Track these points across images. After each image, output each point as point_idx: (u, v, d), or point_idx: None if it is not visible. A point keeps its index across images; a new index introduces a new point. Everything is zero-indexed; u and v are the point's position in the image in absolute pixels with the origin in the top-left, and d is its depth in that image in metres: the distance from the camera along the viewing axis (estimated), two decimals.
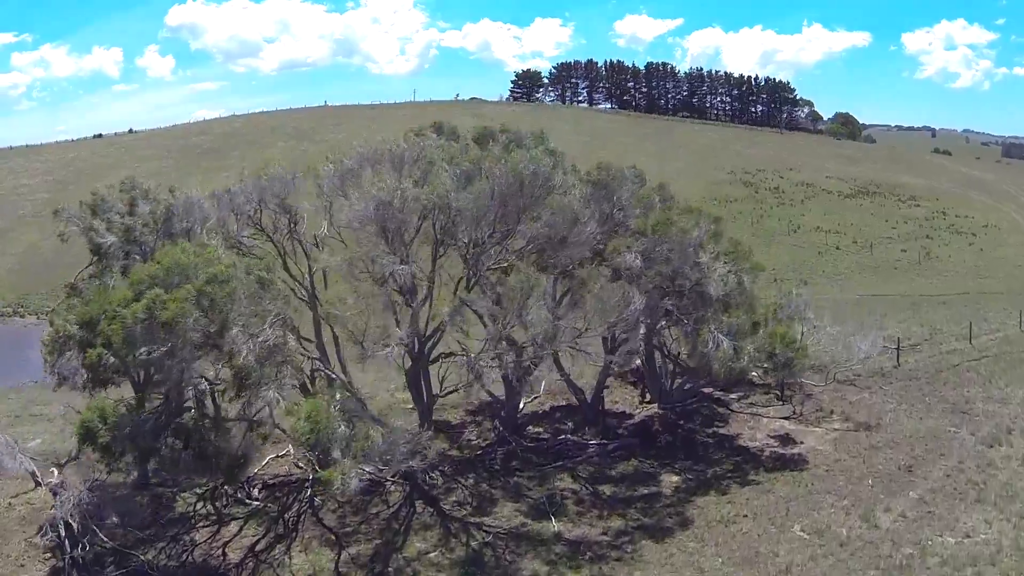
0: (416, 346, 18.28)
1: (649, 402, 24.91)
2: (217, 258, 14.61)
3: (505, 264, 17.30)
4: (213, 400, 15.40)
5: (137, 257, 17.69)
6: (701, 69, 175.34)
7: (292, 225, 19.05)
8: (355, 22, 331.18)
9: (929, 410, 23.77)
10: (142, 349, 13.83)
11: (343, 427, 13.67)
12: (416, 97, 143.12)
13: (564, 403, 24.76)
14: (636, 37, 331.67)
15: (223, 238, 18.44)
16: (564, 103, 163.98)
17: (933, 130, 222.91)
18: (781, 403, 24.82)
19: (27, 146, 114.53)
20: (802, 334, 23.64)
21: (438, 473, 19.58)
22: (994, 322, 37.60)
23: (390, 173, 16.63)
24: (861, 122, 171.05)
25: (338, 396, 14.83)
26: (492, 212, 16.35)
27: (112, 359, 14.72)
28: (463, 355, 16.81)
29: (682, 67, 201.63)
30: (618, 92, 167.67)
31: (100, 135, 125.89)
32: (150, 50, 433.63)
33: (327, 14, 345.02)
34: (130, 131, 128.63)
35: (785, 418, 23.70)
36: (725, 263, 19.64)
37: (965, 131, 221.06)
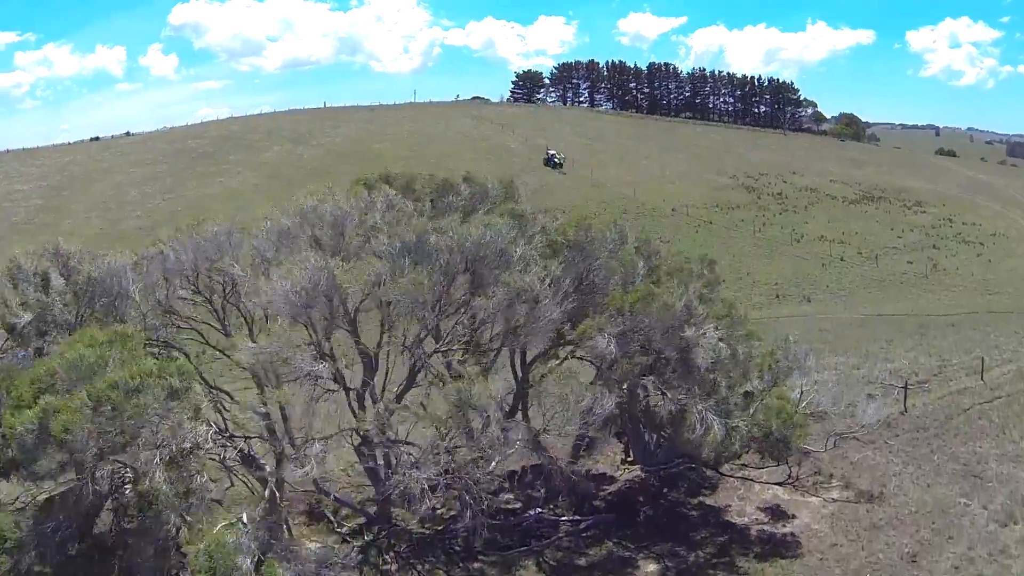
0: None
1: (632, 462, 23.11)
2: (133, 356, 12.75)
3: (452, 348, 15.48)
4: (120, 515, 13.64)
5: (63, 332, 15.89)
6: (704, 69, 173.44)
7: (231, 287, 17.31)
8: (358, 20, 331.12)
9: (938, 473, 21.87)
10: (39, 462, 12.15)
11: (248, 564, 11.93)
12: (416, 98, 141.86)
13: (539, 461, 22.92)
14: (639, 35, 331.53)
15: (155, 305, 16.68)
16: (565, 104, 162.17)
17: (937, 128, 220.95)
18: (776, 464, 22.90)
19: (23, 149, 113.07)
20: (800, 393, 21.83)
21: (392, 555, 17.89)
22: (1006, 349, 35.57)
23: (317, 249, 14.71)
24: (865, 120, 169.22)
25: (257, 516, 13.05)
26: (435, 295, 14.48)
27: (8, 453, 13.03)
28: (407, 451, 14.99)
29: (685, 65, 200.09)
30: (620, 92, 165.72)
31: (97, 138, 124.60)
32: (153, 49, 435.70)
33: (330, 13, 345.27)
34: (127, 134, 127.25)
35: (779, 483, 21.83)
36: (717, 328, 17.71)
37: (969, 129, 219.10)
